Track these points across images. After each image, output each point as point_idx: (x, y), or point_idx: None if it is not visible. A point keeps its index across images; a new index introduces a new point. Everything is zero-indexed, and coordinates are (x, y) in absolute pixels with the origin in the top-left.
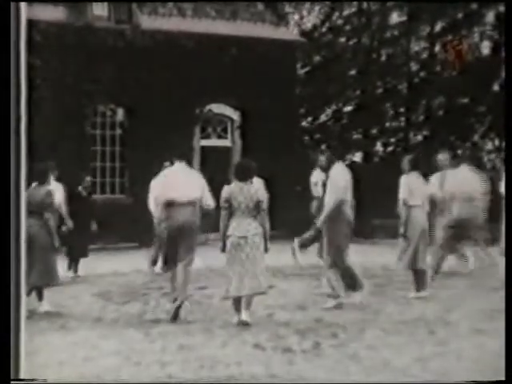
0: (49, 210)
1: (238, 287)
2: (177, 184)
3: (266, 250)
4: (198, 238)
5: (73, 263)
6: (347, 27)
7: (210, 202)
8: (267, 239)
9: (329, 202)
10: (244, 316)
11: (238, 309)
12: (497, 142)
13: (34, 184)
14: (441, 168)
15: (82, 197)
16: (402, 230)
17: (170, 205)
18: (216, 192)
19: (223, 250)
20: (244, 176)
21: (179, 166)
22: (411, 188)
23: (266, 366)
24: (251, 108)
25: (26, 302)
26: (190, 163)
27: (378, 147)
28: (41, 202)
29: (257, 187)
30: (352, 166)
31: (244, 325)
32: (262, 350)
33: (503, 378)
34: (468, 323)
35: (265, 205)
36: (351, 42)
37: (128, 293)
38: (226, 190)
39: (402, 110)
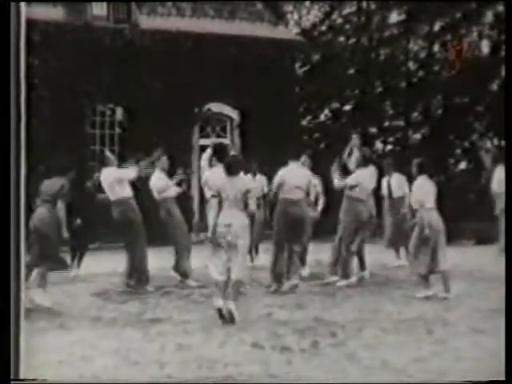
0: (62, 201)
1: (220, 272)
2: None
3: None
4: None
5: (76, 259)
6: (346, 26)
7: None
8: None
9: None
10: (229, 305)
11: (223, 297)
12: (495, 141)
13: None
14: None
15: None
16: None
17: None
18: None
19: (211, 239)
20: (232, 170)
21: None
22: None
23: (264, 365)
24: (250, 107)
25: (25, 301)
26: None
27: (377, 146)
28: (55, 192)
29: (247, 181)
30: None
31: (224, 315)
32: (260, 349)
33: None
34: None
35: (253, 197)
36: (350, 41)
37: (126, 292)
38: (216, 182)
39: (400, 109)
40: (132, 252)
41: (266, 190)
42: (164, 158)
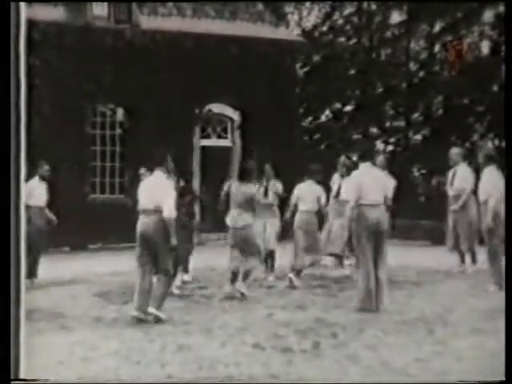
0: None
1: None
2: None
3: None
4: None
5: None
6: (347, 27)
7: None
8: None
9: None
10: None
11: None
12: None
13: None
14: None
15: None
16: None
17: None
18: (215, 191)
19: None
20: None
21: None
22: None
23: (265, 366)
24: (251, 108)
25: (25, 302)
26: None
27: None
28: None
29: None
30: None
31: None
32: (261, 350)
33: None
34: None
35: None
36: (351, 42)
37: (128, 293)
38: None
39: (401, 109)
40: None
41: (280, 193)
42: (45, 167)
